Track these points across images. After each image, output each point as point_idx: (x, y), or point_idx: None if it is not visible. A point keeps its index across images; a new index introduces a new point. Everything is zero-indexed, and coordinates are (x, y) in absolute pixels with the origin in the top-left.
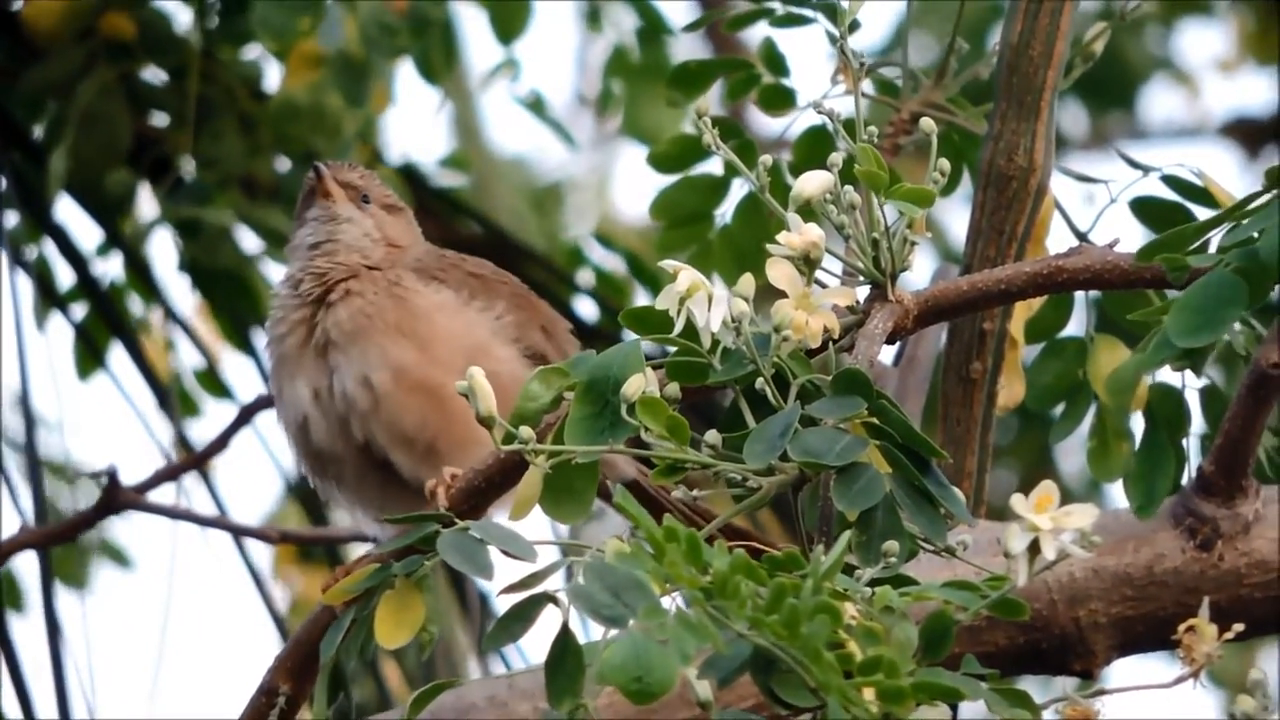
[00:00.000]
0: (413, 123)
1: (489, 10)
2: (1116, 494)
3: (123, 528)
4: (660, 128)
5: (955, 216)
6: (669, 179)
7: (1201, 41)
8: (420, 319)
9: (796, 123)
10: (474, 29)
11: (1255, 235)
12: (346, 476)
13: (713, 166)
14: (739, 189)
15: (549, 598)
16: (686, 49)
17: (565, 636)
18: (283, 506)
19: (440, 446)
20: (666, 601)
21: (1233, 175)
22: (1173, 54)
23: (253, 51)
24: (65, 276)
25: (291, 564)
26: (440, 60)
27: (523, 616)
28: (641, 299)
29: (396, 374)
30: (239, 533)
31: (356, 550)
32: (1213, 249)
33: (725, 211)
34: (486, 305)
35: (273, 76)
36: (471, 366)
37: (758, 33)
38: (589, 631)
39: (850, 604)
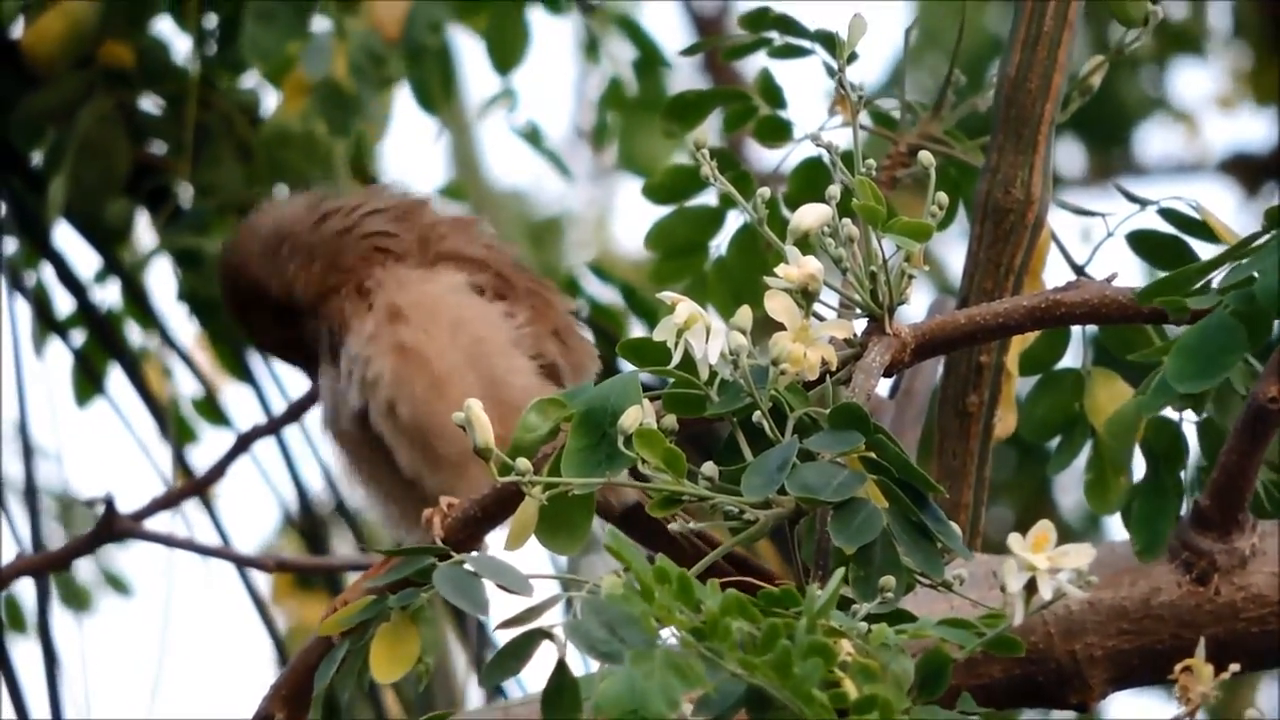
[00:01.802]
0: (410, 152)
1: (486, 40)
2: (1114, 527)
3: (120, 554)
4: (657, 160)
5: (952, 249)
6: (665, 210)
7: (1195, 81)
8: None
9: (792, 155)
10: (472, 59)
11: (1255, 275)
12: (367, 473)
13: (708, 198)
14: (734, 221)
15: (544, 634)
16: (685, 80)
17: (562, 671)
18: (281, 537)
19: (426, 421)
20: (664, 636)
21: (1231, 212)
22: (1167, 94)
23: (251, 79)
24: (64, 303)
25: (289, 595)
26: (438, 89)
27: (519, 653)
28: (637, 331)
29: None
30: (236, 561)
31: (355, 578)
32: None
33: (720, 243)
34: (509, 310)
35: (270, 104)
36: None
37: (757, 63)
38: (588, 662)
39: (846, 640)
